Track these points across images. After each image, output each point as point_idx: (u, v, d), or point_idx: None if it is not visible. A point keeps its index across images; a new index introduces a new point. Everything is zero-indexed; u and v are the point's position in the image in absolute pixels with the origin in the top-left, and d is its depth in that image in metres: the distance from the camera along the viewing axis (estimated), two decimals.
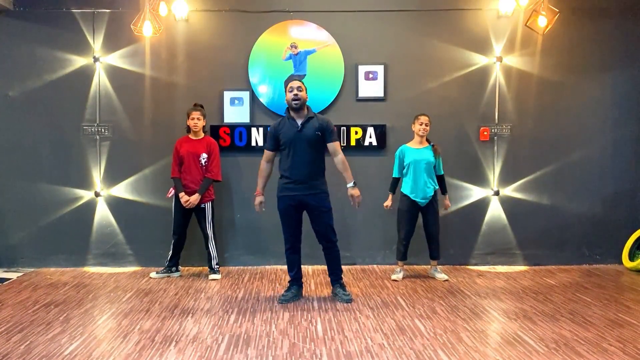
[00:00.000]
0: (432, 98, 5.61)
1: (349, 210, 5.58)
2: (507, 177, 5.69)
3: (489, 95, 5.66)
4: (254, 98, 5.60)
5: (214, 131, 5.51)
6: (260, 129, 5.53)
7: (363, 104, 5.64)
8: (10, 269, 5.53)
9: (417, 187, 5.02)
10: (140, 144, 5.59)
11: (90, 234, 5.59)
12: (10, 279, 5.15)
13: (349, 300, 4.32)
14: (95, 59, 5.51)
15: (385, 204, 5.13)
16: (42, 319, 3.92)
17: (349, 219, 5.62)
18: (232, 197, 5.61)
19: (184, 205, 5.05)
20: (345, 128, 5.57)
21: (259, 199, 4.42)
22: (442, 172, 5.14)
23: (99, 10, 5.50)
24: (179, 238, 5.22)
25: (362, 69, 5.60)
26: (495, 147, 5.68)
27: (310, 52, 5.57)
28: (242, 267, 5.62)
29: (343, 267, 5.41)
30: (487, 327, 3.76)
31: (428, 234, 5.14)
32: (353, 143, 5.59)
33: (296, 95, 4.22)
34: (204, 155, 5.12)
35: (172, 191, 5.20)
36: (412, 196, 5.02)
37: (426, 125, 5.03)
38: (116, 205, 5.60)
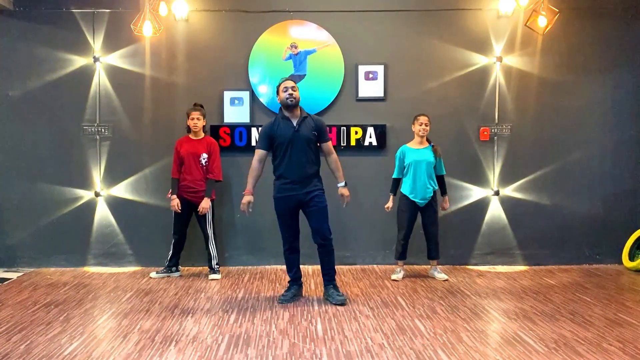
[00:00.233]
0: (432, 98, 5.61)
1: (349, 210, 5.58)
2: (507, 177, 5.69)
3: (489, 95, 5.66)
4: (254, 98, 5.60)
5: (214, 131, 5.51)
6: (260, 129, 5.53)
7: (363, 104, 5.64)
8: (10, 269, 5.54)
9: (416, 187, 5.02)
10: (140, 144, 5.59)
11: (90, 234, 5.59)
12: (10, 279, 5.15)
13: (343, 302, 4.26)
14: (95, 59, 5.51)
15: (386, 206, 5.12)
16: (42, 319, 3.92)
17: (349, 219, 5.62)
18: (232, 197, 5.61)
19: (200, 213, 5.09)
20: (345, 128, 5.57)
21: (247, 198, 4.32)
22: (444, 172, 5.14)
23: (99, 10, 5.50)
24: (179, 238, 5.22)
25: (362, 69, 5.60)
26: (495, 147, 5.68)
27: (310, 52, 5.57)
28: (242, 267, 5.62)
29: (343, 267, 5.40)
30: (487, 327, 3.75)
31: (427, 234, 5.14)
32: (353, 143, 5.59)
33: (291, 94, 4.23)
34: (204, 156, 5.13)
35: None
36: (411, 196, 5.02)
37: (426, 125, 5.03)
38: (116, 205, 5.60)
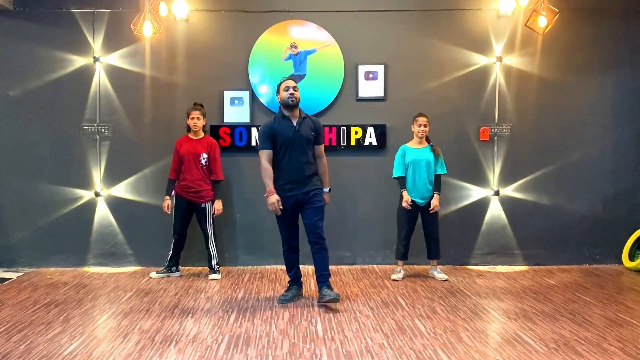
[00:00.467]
0: (432, 98, 5.61)
1: (349, 210, 5.59)
2: (507, 177, 5.69)
3: (489, 95, 5.66)
4: (254, 98, 5.60)
5: (214, 131, 5.51)
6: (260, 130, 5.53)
7: (363, 104, 5.64)
8: (10, 269, 5.53)
9: (416, 187, 5.02)
10: (140, 144, 5.59)
11: (90, 234, 5.59)
12: (10, 279, 5.15)
13: (336, 297, 4.11)
14: (95, 59, 5.51)
15: (404, 200, 4.96)
16: (42, 319, 3.92)
17: (349, 219, 5.62)
18: (232, 197, 5.61)
19: (215, 214, 5.14)
20: (345, 128, 5.57)
21: (275, 196, 4.18)
22: (445, 172, 5.12)
23: (99, 10, 5.50)
24: (180, 238, 5.22)
25: (362, 69, 5.60)
26: (495, 147, 5.68)
27: (310, 52, 5.57)
28: (242, 267, 5.62)
29: (343, 267, 5.40)
30: (487, 327, 3.75)
31: (427, 233, 5.14)
32: (353, 143, 5.59)
33: (292, 94, 4.23)
34: (204, 155, 5.13)
35: (172, 192, 5.20)
36: (411, 196, 5.01)
37: (425, 126, 5.03)
38: (116, 205, 5.60)
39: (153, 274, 5.21)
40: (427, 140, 5.13)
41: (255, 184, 5.47)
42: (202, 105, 5.25)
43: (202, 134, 5.23)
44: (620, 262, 5.66)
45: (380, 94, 5.61)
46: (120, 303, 4.33)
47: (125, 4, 5.47)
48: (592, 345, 3.39)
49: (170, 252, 5.22)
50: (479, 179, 5.69)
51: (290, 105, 4.24)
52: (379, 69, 5.60)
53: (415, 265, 5.56)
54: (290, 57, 5.57)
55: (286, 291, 4.46)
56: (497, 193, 5.68)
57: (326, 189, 4.44)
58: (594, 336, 3.56)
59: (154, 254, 5.51)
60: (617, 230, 5.68)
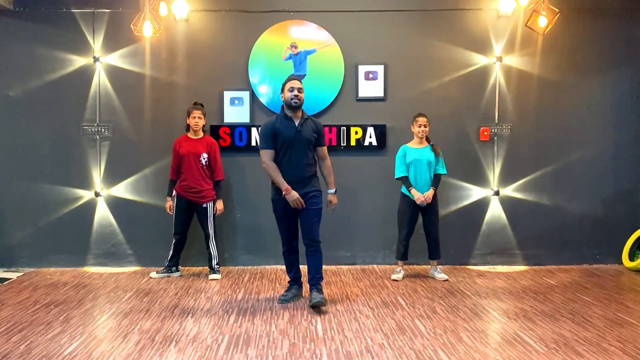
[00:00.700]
0: (432, 98, 5.61)
1: (350, 210, 5.59)
2: (507, 177, 5.69)
3: (489, 95, 5.66)
4: (254, 98, 5.60)
5: (214, 131, 5.51)
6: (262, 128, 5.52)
7: (363, 104, 5.64)
8: (10, 269, 5.53)
9: (417, 187, 5.01)
10: (140, 144, 5.59)
11: (90, 234, 5.59)
12: (10, 279, 5.15)
13: (320, 301, 4.05)
14: (95, 59, 5.51)
15: (418, 199, 4.93)
16: (42, 319, 3.92)
17: (349, 219, 5.62)
18: (232, 197, 5.61)
19: (217, 214, 5.18)
20: (345, 128, 5.57)
21: (294, 193, 4.14)
22: (445, 172, 5.11)
23: (99, 10, 5.50)
24: (180, 238, 5.22)
25: (362, 69, 5.60)
26: (495, 147, 5.68)
27: (310, 52, 5.57)
28: (242, 267, 5.62)
29: (343, 267, 5.40)
30: (487, 327, 3.76)
31: (427, 233, 5.14)
32: (353, 143, 5.59)
33: (296, 95, 4.22)
34: (204, 155, 5.13)
35: (173, 192, 5.20)
36: (411, 196, 5.02)
37: (425, 126, 5.03)
38: (116, 205, 5.60)
39: (153, 274, 5.21)
40: (427, 140, 5.13)
41: (256, 184, 5.49)
42: (202, 105, 5.25)
43: (201, 134, 5.23)
44: (620, 262, 5.66)
45: (380, 94, 5.61)
46: (120, 303, 4.33)
47: (125, 4, 5.47)
48: (592, 345, 3.39)
49: (171, 252, 5.22)
50: (479, 179, 5.69)
51: (293, 106, 4.24)
52: (379, 69, 5.60)
53: (415, 265, 5.56)
54: (290, 57, 5.57)
55: (286, 291, 4.46)
56: (497, 193, 5.68)
57: (332, 190, 4.42)
58: (594, 336, 3.56)
59: (154, 254, 5.51)
60: (617, 230, 5.68)
